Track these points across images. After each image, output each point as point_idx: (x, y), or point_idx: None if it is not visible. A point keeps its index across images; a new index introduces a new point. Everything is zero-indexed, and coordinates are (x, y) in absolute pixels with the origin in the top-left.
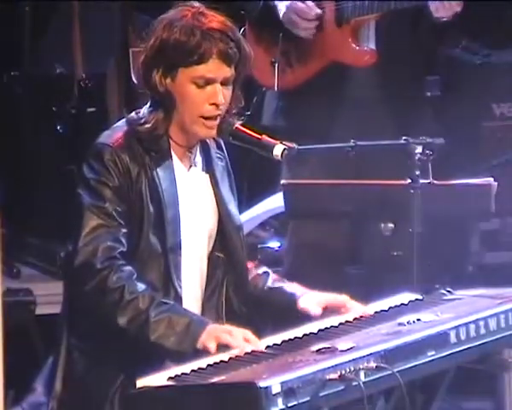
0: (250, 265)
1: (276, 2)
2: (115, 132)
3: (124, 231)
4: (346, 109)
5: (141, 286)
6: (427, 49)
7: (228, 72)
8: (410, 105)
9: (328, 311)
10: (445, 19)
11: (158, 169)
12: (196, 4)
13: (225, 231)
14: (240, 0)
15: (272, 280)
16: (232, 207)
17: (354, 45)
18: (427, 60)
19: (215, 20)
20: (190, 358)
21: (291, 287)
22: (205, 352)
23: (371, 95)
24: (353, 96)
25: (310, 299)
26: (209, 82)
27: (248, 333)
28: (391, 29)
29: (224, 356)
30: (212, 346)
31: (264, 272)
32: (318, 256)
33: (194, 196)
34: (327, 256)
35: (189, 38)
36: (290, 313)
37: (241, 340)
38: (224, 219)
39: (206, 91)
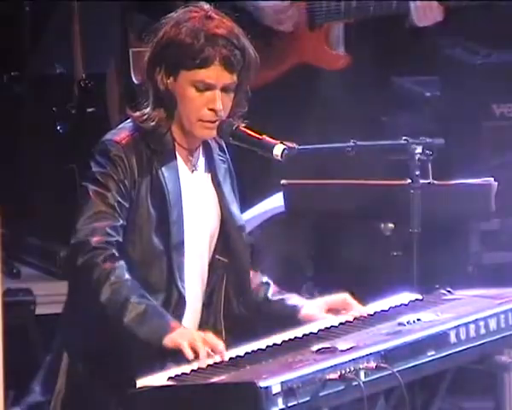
0: (252, 272)
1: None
2: (122, 131)
3: (122, 223)
4: (310, 110)
5: (128, 276)
6: (402, 50)
7: (229, 78)
8: (379, 106)
9: (330, 313)
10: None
11: (163, 169)
12: (206, 7)
13: (227, 232)
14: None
15: (272, 292)
16: (234, 208)
17: (329, 49)
18: (425, 60)
19: (222, 25)
20: (157, 356)
21: (291, 299)
22: (172, 351)
23: (337, 96)
24: (318, 96)
25: (311, 306)
26: (209, 87)
27: (218, 345)
28: (361, 31)
29: (229, 354)
30: (183, 343)
31: (265, 283)
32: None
33: (197, 198)
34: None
35: (193, 42)
36: (291, 325)
37: (205, 352)
38: (226, 220)
39: (206, 96)
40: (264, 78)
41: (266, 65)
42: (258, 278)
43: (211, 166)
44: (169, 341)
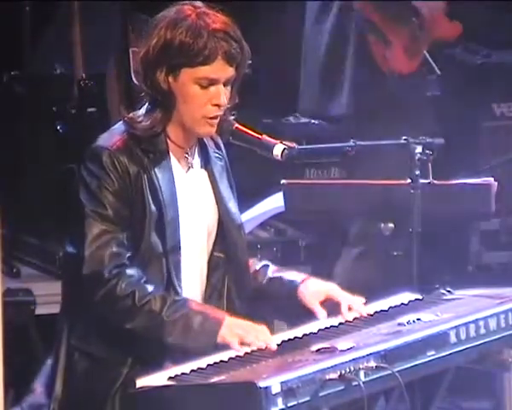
0: (251, 260)
1: None
2: (112, 135)
3: (126, 234)
4: None
5: (150, 288)
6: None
7: (230, 72)
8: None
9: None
10: None
11: (156, 170)
12: (197, 3)
13: (225, 229)
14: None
15: (272, 271)
16: (232, 205)
17: (447, 19)
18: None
19: (218, 20)
20: (210, 353)
21: (290, 275)
22: (225, 346)
23: None
24: None
25: (309, 290)
26: (213, 83)
27: (263, 332)
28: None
29: (229, 354)
30: (234, 341)
31: (264, 265)
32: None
33: (194, 196)
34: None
35: (196, 39)
36: (291, 301)
37: (255, 339)
38: (223, 218)
39: (210, 92)
40: (412, 67)
41: (423, 43)
42: (255, 265)
43: (207, 164)
44: (220, 339)
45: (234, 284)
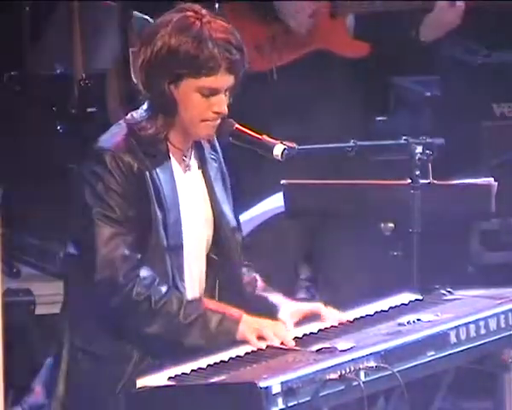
0: (244, 268)
1: None
2: (114, 136)
3: (135, 235)
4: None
5: (164, 290)
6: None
7: (231, 81)
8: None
9: (306, 320)
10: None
11: (158, 172)
12: (197, 8)
13: (220, 231)
14: None
15: (258, 288)
16: (226, 207)
17: (349, 37)
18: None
19: (220, 28)
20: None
21: (274, 297)
22: (243, 342)
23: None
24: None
25: (285, 312)
26: (214, 92)
27: (280, 327)
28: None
29: (229, 354)
30: (252, 337)
31: (253, 279)
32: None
33: (192, 198)
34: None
35: (202, 50)
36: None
37: (272, 333)
38: (217, 219)
39: (211, 101)
40: (282, 59)
41: (286, 47)
42: (248, 274)
43: (203, 165)
44: (240, 336)
45: (225, 284)
